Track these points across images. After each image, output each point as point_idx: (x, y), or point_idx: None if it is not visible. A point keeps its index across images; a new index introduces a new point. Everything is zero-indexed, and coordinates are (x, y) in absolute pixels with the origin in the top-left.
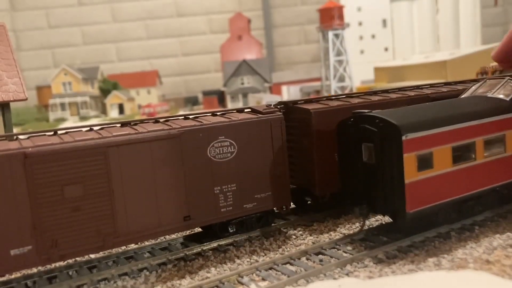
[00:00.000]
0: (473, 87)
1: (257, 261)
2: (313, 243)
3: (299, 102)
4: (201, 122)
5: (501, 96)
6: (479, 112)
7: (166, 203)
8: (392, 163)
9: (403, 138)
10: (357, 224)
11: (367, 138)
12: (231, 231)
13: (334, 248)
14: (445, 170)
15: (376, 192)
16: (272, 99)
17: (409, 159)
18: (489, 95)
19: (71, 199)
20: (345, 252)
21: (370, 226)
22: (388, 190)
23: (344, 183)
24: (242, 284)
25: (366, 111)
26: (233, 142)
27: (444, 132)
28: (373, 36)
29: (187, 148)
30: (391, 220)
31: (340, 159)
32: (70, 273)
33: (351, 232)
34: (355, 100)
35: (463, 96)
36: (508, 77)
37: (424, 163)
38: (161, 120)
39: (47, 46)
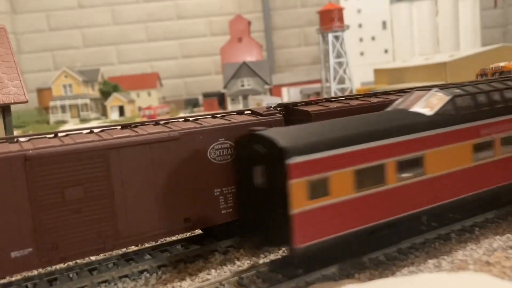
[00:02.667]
0: (400, 99)
1: (257, 262)
2: None
3: (299, 104)
4: (201, 124)
5: (422, 110)
6: (391, 130)
7: (167, 205)
8: (279, 190)
9: (289, 161)
10: None
11: (258, 160)
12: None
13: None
14: (346, 197)
15: (267, 222)
16: (272, 101)
17: (298, 186)
18: (411, 109)
19: (71, 201)
20: None
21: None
22: (276, 221)
23: (240, 208)
24: (242, 286)
25: (261, 128)
26: (234, 144)
27: (344, 153)
28: (373, 38)
29: (187, 150)
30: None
31: (237, 181)
32: (71, 275)
33: None
34: (355, 102)
35: (384, 110)
36: (436, 88)
37: (318, 189)
38: (161, 122)
39: (47, 49)
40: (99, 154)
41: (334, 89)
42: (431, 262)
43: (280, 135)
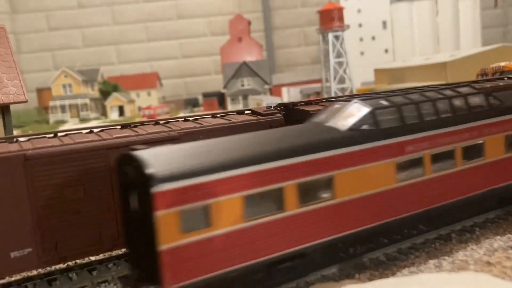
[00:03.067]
0: (322, 110)
1: None
2: None
3: (299, 103)
4: (201, 124)
5: (337, 125)
6: (293, 149)
7: None
8: (148, 221)
9: (155, 189)
10: None
11: (131, 185)
12: None
13: None
14: (234, 227)
15: (141, 257)
16: (272, 101)
17: (168, 217)
18: (327, 123)
19: (71, 201)
20: None
21: None
22: (147, 256)
23: (124, 239)
24: None
25: (142, 147)
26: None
27: (229, 177)
28: (373, 38)
29: None
30: None
31: (119, 207)
32: (70, 275)
33: None
34: None
35: (296, 125)
36: (357, 99)
37: (195, 220)
38: (161, 122)
39: (47, 49)
40: (99, 153)
41: (334, 89)
42: (431, 262)
43: (152, 157)
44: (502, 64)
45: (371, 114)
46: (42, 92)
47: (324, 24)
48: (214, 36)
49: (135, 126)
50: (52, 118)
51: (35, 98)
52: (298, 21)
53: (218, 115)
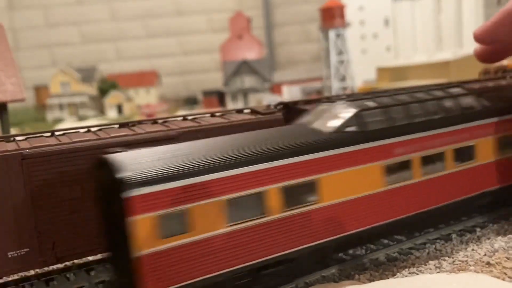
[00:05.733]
0: (311, 109)
1: None
2: None
3: (299, 102)
4: (200, 123)
5: (322, 127)
6: (276, 152)
7: None
8: (122, 227)
9: (132, 193)
10: None
11: (106, 190)
12: None
13: None
14: (216, 232)
15: (117, 265)
16: (273, 99)
17: (145, 223)
18: (314, 124)
19: (69, 200)
20: None
21: None
22: (125, 263)
23: (104, 242)
24: None
25: (119, 150)
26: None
27: (210, 181)
28: (375, 36)
29: None
30: None
31: (98, 211)
32: (68, 275)
33: None
34: None
35: (282, 126)
36: (343, 101)
37: (175, 225)
38: (159, 121)
39: (45, 45)
40: (97, 153)
41: (335, 87)
42: (432, 263)
43: (127, 160)
44: (505, 62)
45: (357, 115)
46: (40, 90)
47: (325, 22)
48: (214, 33)
49: (133, 125)
50: (50, 116)
51: (33, 96)
52: (299, 18)
53: (217, 114)
